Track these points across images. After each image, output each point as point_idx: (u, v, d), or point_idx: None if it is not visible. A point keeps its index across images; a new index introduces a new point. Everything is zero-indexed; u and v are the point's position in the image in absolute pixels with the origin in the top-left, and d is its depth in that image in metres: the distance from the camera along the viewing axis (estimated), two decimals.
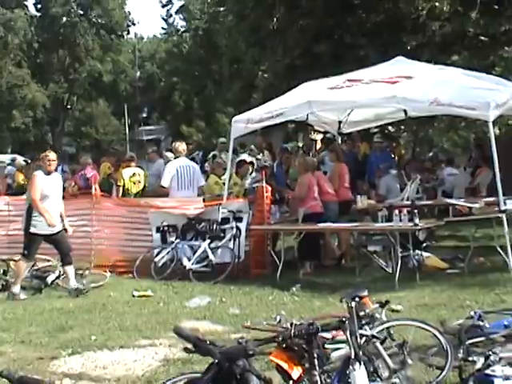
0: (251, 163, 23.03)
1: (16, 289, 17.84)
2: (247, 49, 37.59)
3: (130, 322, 14.90)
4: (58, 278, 19.14)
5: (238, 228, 20.18)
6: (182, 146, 23.47)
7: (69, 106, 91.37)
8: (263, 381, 6.46)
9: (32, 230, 17.79)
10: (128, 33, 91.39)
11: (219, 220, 20.21)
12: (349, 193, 21.68)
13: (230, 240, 20.11)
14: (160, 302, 16.78)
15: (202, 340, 6.79)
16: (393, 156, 28.09)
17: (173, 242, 20.18)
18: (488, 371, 8.99)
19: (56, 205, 18.10)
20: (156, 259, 19.87)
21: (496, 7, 28.34)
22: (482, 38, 28.51)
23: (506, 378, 8.78)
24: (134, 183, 23.73)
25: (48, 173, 18.02)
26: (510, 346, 10.63)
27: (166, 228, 20.68)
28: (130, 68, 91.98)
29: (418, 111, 21.92)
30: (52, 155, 18.30)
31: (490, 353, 9.44)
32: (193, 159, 29.74)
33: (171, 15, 75.52)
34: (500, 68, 27.08)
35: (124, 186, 23.23)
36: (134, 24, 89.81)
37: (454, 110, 19.87)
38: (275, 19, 31.54)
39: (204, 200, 21.78)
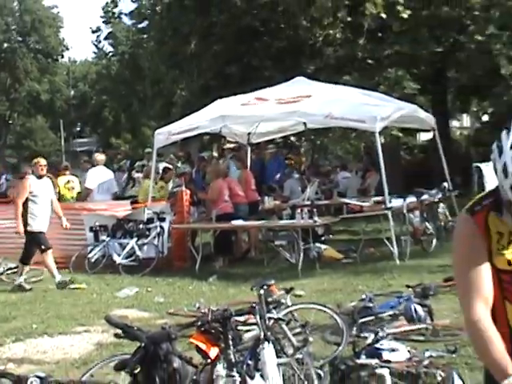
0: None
1: (58, 278, 17.56)
2: (167, 71, 37.75)
3: (67, 311, 14.75)
4: (1, 274, 19.02)
5: (161, 227, 20.19)
6: (100, 157, 23.81)
7: (10, 122, 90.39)
8: (184, 360, 6.48)
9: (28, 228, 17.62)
10: (62, 57, 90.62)
11: (145, 220, 20.20)
12: (256, 195, 21.76)
13: (154, 237, 20.11)
14: (93, 293, 16.63)
15: (131, 326, 6.79)
16: (292, 163, 28.17)
17: (104, 240, 20.09)
18: (377, 345, 9.14)
19: (47, 205, 17.90)
20: (89, 255, 19.71)
21: (380, 35, 28.69)
22: (369, 61, 28.85)
23: (392, 350, 8.95)
24: (69, 189, 23.43)
25: (39, 177, 17.84)
26: (396, 323, 10.81)
27: (98, 228, 20.58)
28: (64, 87, 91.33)
29: (315, 124, 22.26)
30: (43, 161, 18.11)
31: (379, 330, 9.61)
32: (120, 167, 29.71)
33: (100, 41, 74.98)
34: (384, 86, 27.43)
35: (60, 192, 23.02)
36: (67, 49, 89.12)
37: (346, 123, 20.31)
38: (191, 45, 31.63)
39: (138, 202, 21.85)
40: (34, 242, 17.72)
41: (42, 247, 17.59)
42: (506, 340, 3.77)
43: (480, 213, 3.93)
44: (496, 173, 3.76)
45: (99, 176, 22.26)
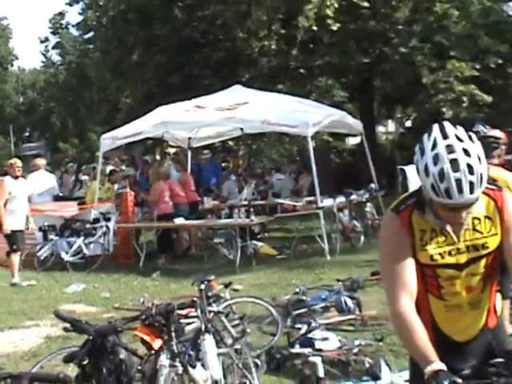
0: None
1: (16, 279, 17.37)
2: (112, 79, 37.68)
3: (17, 306, 14.58)
4: None
5: (107, 226, 20.08)
6: (40, 161, 23.42)
7: None
8: (130, 352, 6.47)
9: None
10: (12, 65, 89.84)
11: (91, 220, 20.09)
12: (196, 195, 21.72)
13: (100, 236, 19.97)
14: (43, 290, 16.45)
15: (79, 320, 6.75)
16: (230, 165, 28.21)
17: (52, 239, 19.93)
18: (310, 335, 9.23)
19: (23, 205, 17.67)
20: (39, 254, 19.50)
21: (311, 46, 28.86)
22: (301, 70, 29.09)
23: (324, 339, 9.04)
24: None
25: (16, 177, 17.60)
26: (327, 314, 10.87)
27: (46, 227, 20.39)
28: (14, 94, 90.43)
29: (252, 129, 22.29)
30: (19, 163, 17.87)
31: (312, 321, 9.68)
32: (67, 170, 29.51)
33: (48, 50, 74.48)
34: (315, 94, 27.68)
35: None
36: (17, 58, 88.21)
37: (281, 128, 20.38)
38: (135, 56, 31.57)
39: (85, 203, 21.73)
40: (8, 241, 17.55)
41: (14, 247, 17.43)
42: (429, 329, 3.84)
43: (404, 212, 3.99)
44: (418, 173, 3.80)
45: (39, 180, 21.96)
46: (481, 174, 3.64)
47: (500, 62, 30.68)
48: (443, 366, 3.52)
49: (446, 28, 29.84)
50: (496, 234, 3.99)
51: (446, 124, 3.82)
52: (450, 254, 3.97)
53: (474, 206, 3.77)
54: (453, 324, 4.08)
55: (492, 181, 8.37)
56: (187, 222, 19.62)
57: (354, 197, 20.62)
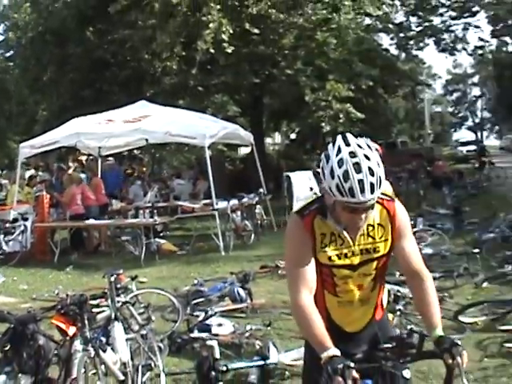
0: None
1: None
2: (30, 93, 37.00)
3: None
4: None
5: (25, 225, 19.75)
6: None
7: None
8: (48, 338, 6.41)
9: None
10: None
11: (11, 219, 19.75)
12: (105, 198, 21.54)
13: (19, 234, 19.64)
14: None
15: (0, 310, 6.67)
16: (134, 172, 28.05)
17: None
18: (207, 321, 9.24)
19: None
20: None
21: (209, 67, 28.93)
22: (200, 88, 29.08)
23: (219, 325, 9.10)
24: None
25: None
26: (222, 303, 10.90)
27: None
28: None
29: (155, 140, 22.22)
30: None
31: (208, 309, 9.70)
32: None
33: None
34: (212, 109, 27.83)
35: None
36: None
37: (181, 139, 20.54)
38: (51, 73, 31.22)
39: (5, 204, 21.58)
40: None
41: None
42: (325, 321, 3.90)
43: (308, 216, 4.00)
44: (324, 177, 3.78)
45: None
46: (380, 177, 3.71)
47: (371, 84, 31.72)
48: (337, 352, 3.60)
49: (326, 54, 30.46)
50: (387, 239, 4.06)
51: (348, 135, 3.84)
52: (345, 255, 4.02)
53: (371, 211, 3.86)
54: (344, 317, 4.17)
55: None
56: (97, 222, 19.52)
57: (245, 200, 20.78)
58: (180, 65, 27.26)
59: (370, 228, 4.03)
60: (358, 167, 3.67)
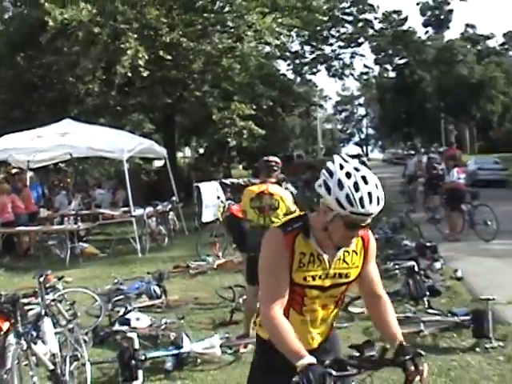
0: None
1: None
2: None
3: None
4: None
5: None
6: None
7: None
8: None
9: None
10: None
11: None
12: (34, 207, 21.17)
13: None
14: None
15: None
16: (59, 183, 27.64)
17: None
18: (127, 316, 9.25)
19: None
20: None
21: (127, 89, 28.87)
22: (118, 107, 28.94)
23: (138, 319, 9.11)
24: None
25: None
26: (140, 299, 10.92)
27: None
28: None
29: (79, 154, 21.95)
30: None
31: (128, 305, 9.73)
32: None
33: None
34: (129, 127, 27.89)
35: None
36: None
37: (102, 153, 20.34)
38: None
39: None
40: None
41: None
42: None
43: (290, 234, 3.69)
44: (328, 191, 3.50)
45: None
46: (383, 193, 3.52)
47: (271, 104, 32.20)
48: (314, 360, 3.35)
49: (231, 78, 30.81)
50: (358, 266, 3.85)
51: (343, 155, 3.69)
52: (320, 277, 3.75)
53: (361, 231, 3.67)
54: (304, 335, 3.81)
55: (270, 195, 8.72)
56: (27, 228, 19.19)
57: (159, 207, 20.71)
58: (101, 87, 27.07)
59: (346, 254, 3.80)
60: (365, 180, 3.49)
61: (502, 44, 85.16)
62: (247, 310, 8.96)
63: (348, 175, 3.48)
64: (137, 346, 7.54)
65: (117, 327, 9.04)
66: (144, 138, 23.49)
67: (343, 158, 3.61)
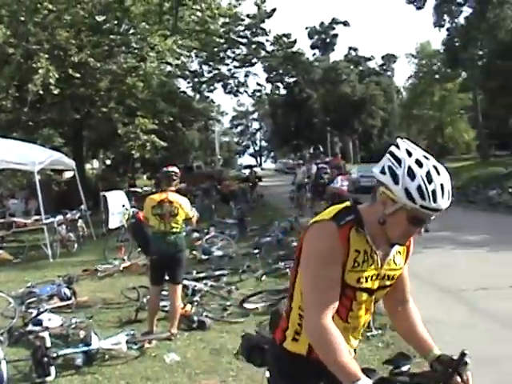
0: None
1: None
2: None
3: None
4: None
5: None
6: None
7: None
8: None
9: None
10: None
11: None
12: None
13: None
14: None
15: None
16: None
17: None
18: (39, 317, 9.17)
19: None
20: None
21: (38, 105, 28.49)
22: (30, 123, 28.47)
23: (49, 319, 9.05)
24: None
25: None
26: (52, 301, 10.76)
27: None
28: None
29: None
30: None
31: (40, 306, 9.63)
32: None
33: None
34: (41, 140, 27.43)
35: None
36: None
37: (15, 166, 19.96)
38: None
39: None
40: None
41: None
42: None
43: (345, 227, 2.92)
44: (396, 181, 2.81)
45: None
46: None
47: (171, 119, 32.51)
48: (370, 382, 2.72)
49: (135, 95, 30.89)
50: (401, 268, 3.22)
51: (407, 141, 2.99)
52: (371, 278, 3.05)
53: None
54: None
55: (170, 203, 8.77)
56: None
57: (69, 215, 20.37)
58: (14, 104, 26.63)
59: (396, 254, 3.17)
60: (437, 170, 2.86)
61: (381, 65, 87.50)
62: (150, 309, 9.02)
63: (419, 164, 2.84)
64: (49, 344, 7.47)
65: (30, 327, 8.89)
66: (54, 151, 23.10)
67: (407, 143, 2.97)
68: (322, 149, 55.08)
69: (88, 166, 54.76)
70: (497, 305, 9.33)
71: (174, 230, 8.78)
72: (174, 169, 9.19)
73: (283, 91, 58.50)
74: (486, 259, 13.62)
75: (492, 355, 7.13)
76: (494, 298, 9.75)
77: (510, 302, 9.49)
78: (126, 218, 17.33)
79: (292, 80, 53.81)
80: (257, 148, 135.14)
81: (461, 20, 49.03)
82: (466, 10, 48.72)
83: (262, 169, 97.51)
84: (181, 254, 8.91)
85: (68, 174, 33.37)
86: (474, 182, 34.63)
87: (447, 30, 50.29)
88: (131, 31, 31.00)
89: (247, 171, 41.34)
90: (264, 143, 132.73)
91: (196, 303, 9.75)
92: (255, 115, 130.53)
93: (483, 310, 9.12)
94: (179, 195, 9.17)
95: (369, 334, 8.17)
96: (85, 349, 7.78)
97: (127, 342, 8.02)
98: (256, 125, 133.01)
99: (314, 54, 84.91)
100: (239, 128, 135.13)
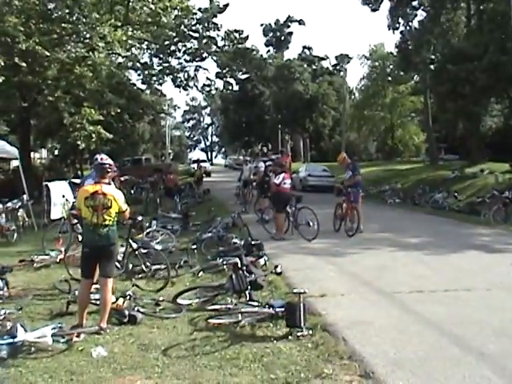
0: None
1: None
2: None
3: None
4: None
5: None
6: None
7: None
8: None
9: None
10: None
11: None
12: None
13: None
14: None
15: None
16: None
17: None
18: None
19: None
20: None
21: None
22: None
23: None
24: None
25: None
26: None
27: None
28: None
29: None
30: None
31: None
32: None
33: None
34: None
35: None
36: None
37: None
38: None
39: None
40: None
41: None
42: None
43: None
44: None
45: None
46: None
47: (119, 110, 32.42)
48: None
49: (83, 85, 30.44)
50: None
51: None
52: None
53: None
54: None
55: (103, 195, 8.63)
56: None
57: (9, 204, 19.99)
58: None
59: None
60: None
61: (335, 65, 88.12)
62: (80, 302, 8.87)
63: None
64: None
65: None
66: None
67: None
68: (270, 146, 55.24)
69: (37, 155, 54.22)
70: (430, 308, 9.39)
71: (107, 222, 8.65)
72: (109, 161, 9.06)
73: (236, 87, 58.52)
74: (423, 262, 13.69)
75: (418, 357, 7.21)
76: (428, 302, 9.81)
77: (443, 305, 9.57)
78: (65, 208, 17.08)
79: (244, 76, 53.94)
80: (208, 143, 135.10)
81: (415, 23, 49.52)
82: (421, 14, 49.30)
83: (211, 164, 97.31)
84: (113, 247, 8.80)
85: (16, 163, 32.95)
86: (421, 185, 35.11)
87: (401, 32, 50.77)
88: (81, 20, 30.59)
89: (195, 166, 41.24)
90: (215, 138, 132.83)
91: (128, 297, 9.62)
92: (207, 110, 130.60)
93: (415, 313, 9.15)
94: (113, 188, 9.05)
95: (299, 333, 8.15)
96: (9, 341, 7.62)
97: (54, 335, 7.88)
98: (208, 120, 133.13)
99: (269, 51, 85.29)
100: (191, 122, 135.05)
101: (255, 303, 9.48)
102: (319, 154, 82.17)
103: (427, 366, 6.96)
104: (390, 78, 70.54)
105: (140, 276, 12.10)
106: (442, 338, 7.96)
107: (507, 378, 6.58)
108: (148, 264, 12.35)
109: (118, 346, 7.98)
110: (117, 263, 11.02)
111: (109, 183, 9.05)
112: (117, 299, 9.37)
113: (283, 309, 8.72)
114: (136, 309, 9.31)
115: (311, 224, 17.03)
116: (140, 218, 12.69)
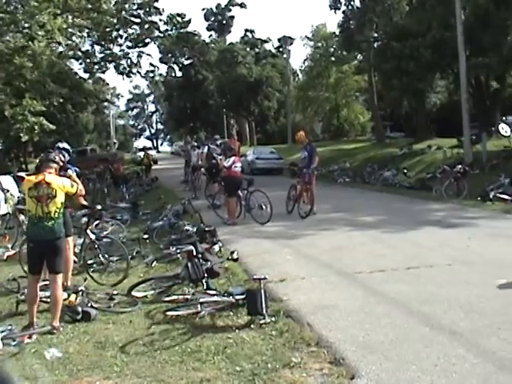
0: None
1: None
2: None
3: None
4: None
5: None
6: None
7: None
8: None
9: None
10: None
11: None
12: None
13: None
14: None
15: None
16: None
17: None
18: None
19: None
20: None
21: None
22: None
23: None
24: None
25: None
26: None
27: None
28: None
29: None
30: None
31: None
32: None
33: None
34: None
35: None
36: None
37: None
38: None
39: None
40: None
41: None
42: None
43: None
44: None
45: None
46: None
47: (61, 101, 31.80)
48: None
49: (23, 75, 29.63)
50: None
51: None
52: None
53: None
54: None
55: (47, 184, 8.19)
56: None
57: None
58: None
59: None
60: None
61: (278, 47, 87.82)
62: (29, 300, 8.41)
63: None
64: None
65: None
66: None
67: None
68: (212, 132, 54.85)
69: None
70: (394, 287, 9.18)
71: (52, 214, 8.20)
72: (65, 145, 8.73)
73: (179, 73, 57.84)
74: (381, 240, 13.54)
75: (389, 340, 6.98)
76: (391, 281, 9.61)
77: (407, 284, 9.39)
78: (10, 203, 16.50)
79: (188, 62, 53.44)
80: (153, 131, 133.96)
81: (357, 3, 49.40)
82: None
83: (158, 152, 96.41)
84: (58, 241, 8.33)
85: None
86: (370, 163, 35.20)
87: (343, 12, 50.60)
88: (20, 9, 29.80)
89: (141, 154, 40.64)
90: (160, 126, 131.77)
91: (81, 293, 9.18)
92: (151, 98, 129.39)
93: (380, 293, 8.92)
94: (57, 177, 8.62)
95: (262, 321, 7.86)
96: None
97: (4, 337, 7.45)
98: (152, 107, 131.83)
99: (211, 36, 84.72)
100: (135, 111, 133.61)
101: (213, 292, 9.15)
102: (265, 137, 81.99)
103: (399, 348, 6.71)
104: (333, 59, 70.46)
105: (92, 269, 11.65)
106: (411, 318, 7.74)
107: (482, 355, 6.38)
108: (106, 256, 11.89)
109: (72, 346, 7.56)
110: (74, 256, 10.64)
111: (57, 174, 8.66)
112: (69, 295, 8.94)
113: (243, 296, 8.43)
114: (89, 304, 8.90)
115: (264, 207, 16.74)
116: (99, 207, 12.33)
